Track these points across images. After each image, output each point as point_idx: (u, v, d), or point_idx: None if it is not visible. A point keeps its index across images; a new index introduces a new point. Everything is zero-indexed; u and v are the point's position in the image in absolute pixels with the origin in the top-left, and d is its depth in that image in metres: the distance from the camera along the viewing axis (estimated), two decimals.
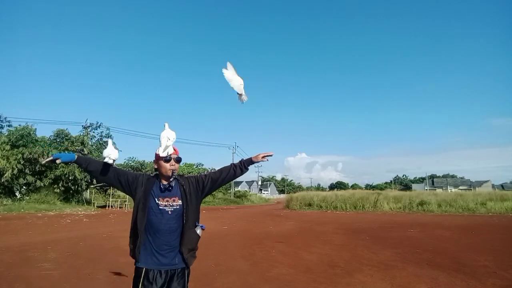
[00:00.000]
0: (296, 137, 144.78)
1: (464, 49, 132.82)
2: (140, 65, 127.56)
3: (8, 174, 19.90)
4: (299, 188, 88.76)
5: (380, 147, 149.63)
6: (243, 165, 2.18)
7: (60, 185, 22.29)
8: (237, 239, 8.69)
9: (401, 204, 21.31)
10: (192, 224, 2.01)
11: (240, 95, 2.32)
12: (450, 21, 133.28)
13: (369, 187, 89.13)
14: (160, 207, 1.95)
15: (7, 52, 79.05)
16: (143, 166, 40.18)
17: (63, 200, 22.81)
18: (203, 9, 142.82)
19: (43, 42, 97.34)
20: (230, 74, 2.29)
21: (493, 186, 62.26)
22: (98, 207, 23.76)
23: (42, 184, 21.74)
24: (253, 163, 2.19)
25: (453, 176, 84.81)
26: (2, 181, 20.01)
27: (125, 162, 40.24)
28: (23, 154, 20.74)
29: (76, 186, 22.98)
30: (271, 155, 2.17)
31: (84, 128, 27.59)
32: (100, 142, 27.85)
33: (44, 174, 22.16)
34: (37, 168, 21.59)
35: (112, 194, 26.01)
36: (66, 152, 22.28)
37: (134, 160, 42.47)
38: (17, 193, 21.42)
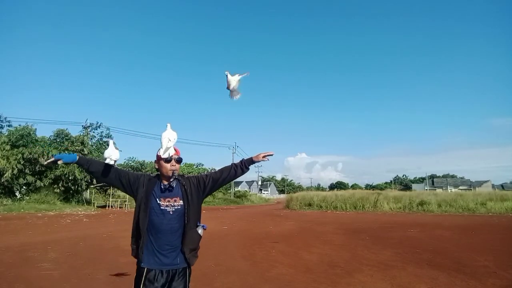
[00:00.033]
0: (296, 137, 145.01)
1: (464, 49, 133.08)
2: (140, 65, 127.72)
3: (8, 174, 19.90)
4: (299, 188, 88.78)
5: (380, 147, 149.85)
6: (244, 165, 2.19)
7: (60, 185, 22.30)
8: (237, 239, 8.69)
9: (401, 204, 21.32)
10: (193, 224, 2.01)
11: (232, 91, 2.33)
12: (450, 21, 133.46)
13: (369, 187, 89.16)
14: (161, 207, 1.96)
15: (7, 52, 79.08)
16: (143, 166, 40.23)
17: (63, 200, 22.82)
18: (203, 9, 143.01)
19: (43, 42, 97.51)
20: (231, 77, 2.31)
21: (493, 186, 62.28)
22: (98, 207, 23.77)
23: (42, 184, 21.74)
24: (254, 163, 2.20)
25: (453, 176, 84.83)
26: (2, 181, 20.01)
27: (125, 162, 40.32)
28: (23, 154, 20.74)
29: (76, 186, 22.99)
30: (271, 155, 2.18)
31: (84, 128, 27.64)
32: (100, 142, 27.87)
33: (44, 174, 22.16)
34: (37, 168, 21.59)
35: (112, 194, 26.01)
36: (66, 152, 22.34)
37: (134, 160, 42.57)
38: (17, 193, 21.42)
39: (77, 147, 23.25)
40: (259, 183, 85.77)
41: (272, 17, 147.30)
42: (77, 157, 2.03)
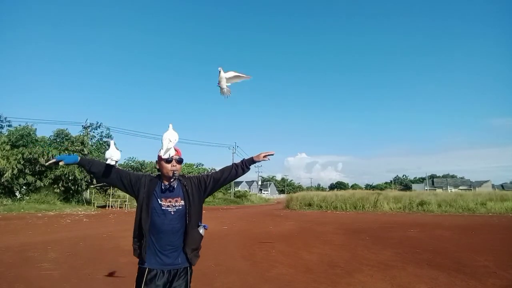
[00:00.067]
0: (296, 137, 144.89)
1: (464, 49, 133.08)
2: (140, 65, 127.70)
3: (8, 174, 19.89)
4: (299, 188, 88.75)
5: (380, 147, 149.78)
6: (245, 165, 2.19)
7: (60, 185, 22.29)
8: (237, 239, 8.70)
9: (401, 204, 21.31)
10: (195, 224, 2.02)
11: (222, 88, 2.35)
12: (450, 21, 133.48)
13: (369, 187, 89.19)
14: (163, 208, 1.96)
15: (7, 52, 79.02)
16: (143, 166, 40.24)
17: (63, 200, 22.81)
18: (203, 9, 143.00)
19: (43, 42, 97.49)
20: (223, 73, 2.33)
21: (493, 186, 62.29)
22: (98, 207, 23.76)
23: (42, 184, 21.73)
24: (255, 163, 2.20)
25: (453, 176, 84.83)
26: (2, 181, 20.00)
27: (125, 162, 40.33)
28: (23, 154, 20.73)
29: (76, 186, 22.98)
30: (272, 154, 2.19)
31: (84, 128, 27.63)
32: (100, 142, 27.88)
33: (44, 174, 22.15)
34: (37, 168, 21.58)
35: (112, 194, 26.01)
36: (67, 152, 22.33)
37: (134, 160, 42.57)
38: (17, 193, 21.41)
39: (77, 147, 23.24)
40: (259, 183, 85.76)
41: (272, 17, 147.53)
42: (79, 158, 2.03)
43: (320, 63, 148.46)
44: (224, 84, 2.35)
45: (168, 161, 2.00)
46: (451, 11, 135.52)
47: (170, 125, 2.06)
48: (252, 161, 2.19)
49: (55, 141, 24.41)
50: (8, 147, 20.80)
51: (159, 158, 2.02)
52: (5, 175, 19.83)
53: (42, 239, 8.27)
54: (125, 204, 24.70)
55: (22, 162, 20.68)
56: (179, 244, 1.97)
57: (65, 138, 24.55)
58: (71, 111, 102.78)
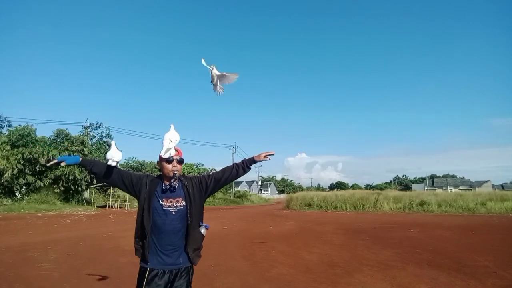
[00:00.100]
0: (296, 137, 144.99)
1: (464, 49, 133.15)
2: (140, 65, 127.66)
3: (8, 174, 19.88)
4: (299, 188, 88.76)
5: (380, 147, 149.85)
6: (246, 165, 2.20)
7: (60, 185, 22.29)
8: (237, 239, 8.70)
9: (401, 204, 21.33)
10: (196, 224, 2.02)
11: (215, 85, 2.37)
12: (450, 21, 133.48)
13: (369, 187, 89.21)
14: (164, 208, 1.97)
15: (7, 52, 79.01)
16: (143, 166, 40.25)
17: (63, 200, 22.80)
18: (203, 9, 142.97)
19: (43, 42, 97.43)
20: (215, 72, 2.37)
21: (493, 186, 62.32)
22: (98, 207, 23.75)
23: (42, 184, 21.73)
24: (256, 162, 2.21)
25: (453, 176, 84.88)
26: (2, 181, 19.99)
27: (125, 162, 40.34)
28: (23, 154, 20.73)
29: (76, 186, 22.98)
30: (273, 154, 2.19)
31: (84, 128, 27.62)
32: (100, 142, 27.87)
33: (44, 174, 22.15)
34: (37, 168, 21.58)
35: (112, 194, 26.01)
36: (67, 152, 22.31)
37: (134, 160, 42.59)
38: (17, 193, 21.40)
39: (77, 147, 23.23)
40: (259, 183, 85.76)
41: (272, 17, 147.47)
42: (80, 159, 2.04)
43: (320, 63, 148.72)
44: (216, 81, 2.38)
45: (169, 161, 2.00)
46: (451, 11, 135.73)
47: (172, 126, 2.06)
48: (253, 161, 2.19)
49: (55, 141, 24.40)
50: (8, 147, 20.80)
51: (160, 158, 2.03)
52: (5, 175, 19.83)
53: (42, 239, 8.27)
54: (125, 204, 24.70)
55: (22, 162, 20.68)
56: (180, 244, 1.98)
57: (65, 138, 24.55)
58: (71, 111, 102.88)
